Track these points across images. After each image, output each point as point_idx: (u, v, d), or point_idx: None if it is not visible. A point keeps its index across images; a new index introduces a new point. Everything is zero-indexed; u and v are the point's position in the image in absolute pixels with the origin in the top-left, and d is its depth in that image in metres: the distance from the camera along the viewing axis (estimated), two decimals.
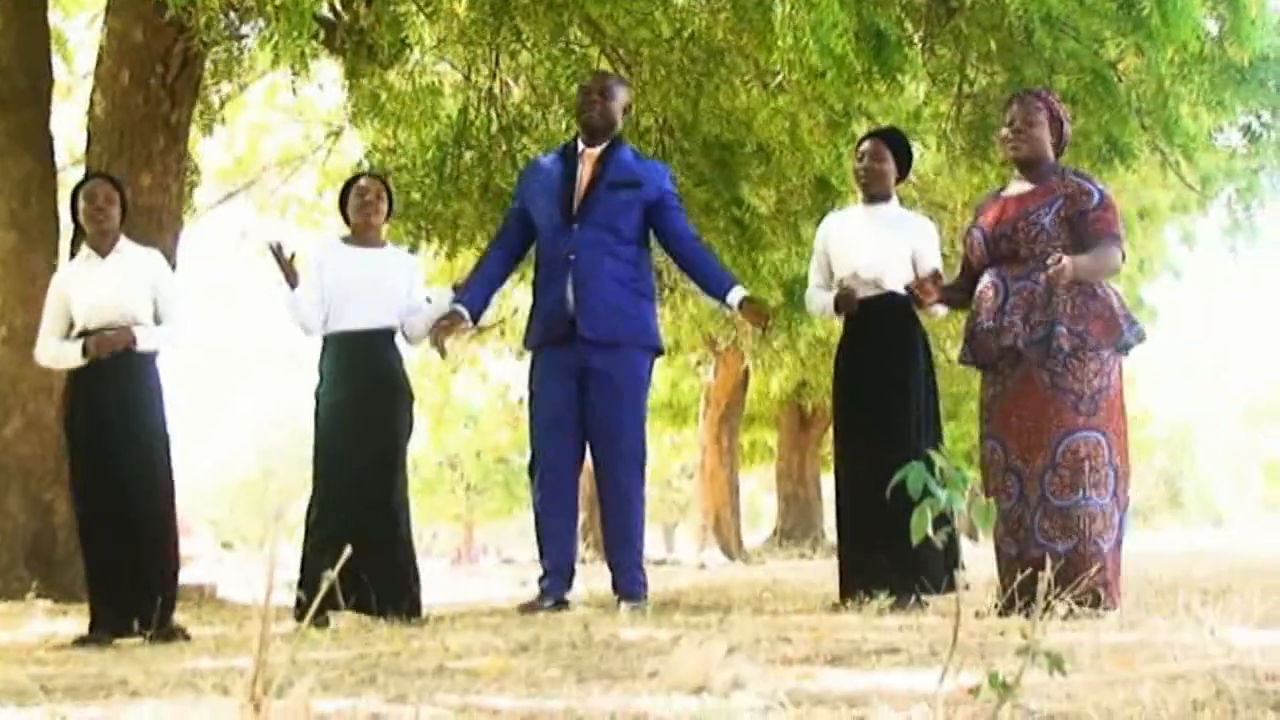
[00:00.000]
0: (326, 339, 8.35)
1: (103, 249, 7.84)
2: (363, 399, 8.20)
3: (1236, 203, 23.19)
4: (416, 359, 36.94)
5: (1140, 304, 31.60)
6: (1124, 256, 6.83)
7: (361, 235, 8.47)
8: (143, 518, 7.66)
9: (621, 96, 8.51)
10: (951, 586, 7.55)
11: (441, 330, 8.32)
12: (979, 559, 7.20)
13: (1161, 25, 9.67)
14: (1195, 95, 10.81)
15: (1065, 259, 6.48)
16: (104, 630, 7.42)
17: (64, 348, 7.74)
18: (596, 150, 8.32)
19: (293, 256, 8.29)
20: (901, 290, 7.74)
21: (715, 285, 8.39)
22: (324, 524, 8.07)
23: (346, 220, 8.59)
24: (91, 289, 7.71)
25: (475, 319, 8.60)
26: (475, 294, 8.60)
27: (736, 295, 8.18)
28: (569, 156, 8.41)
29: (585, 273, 8.05)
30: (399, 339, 8.47)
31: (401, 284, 8.37)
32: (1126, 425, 6.81)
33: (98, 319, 7.67)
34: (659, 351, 8.50)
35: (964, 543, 5.19)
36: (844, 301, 8.04)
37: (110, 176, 8.39)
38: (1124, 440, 6.76)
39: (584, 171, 8.27)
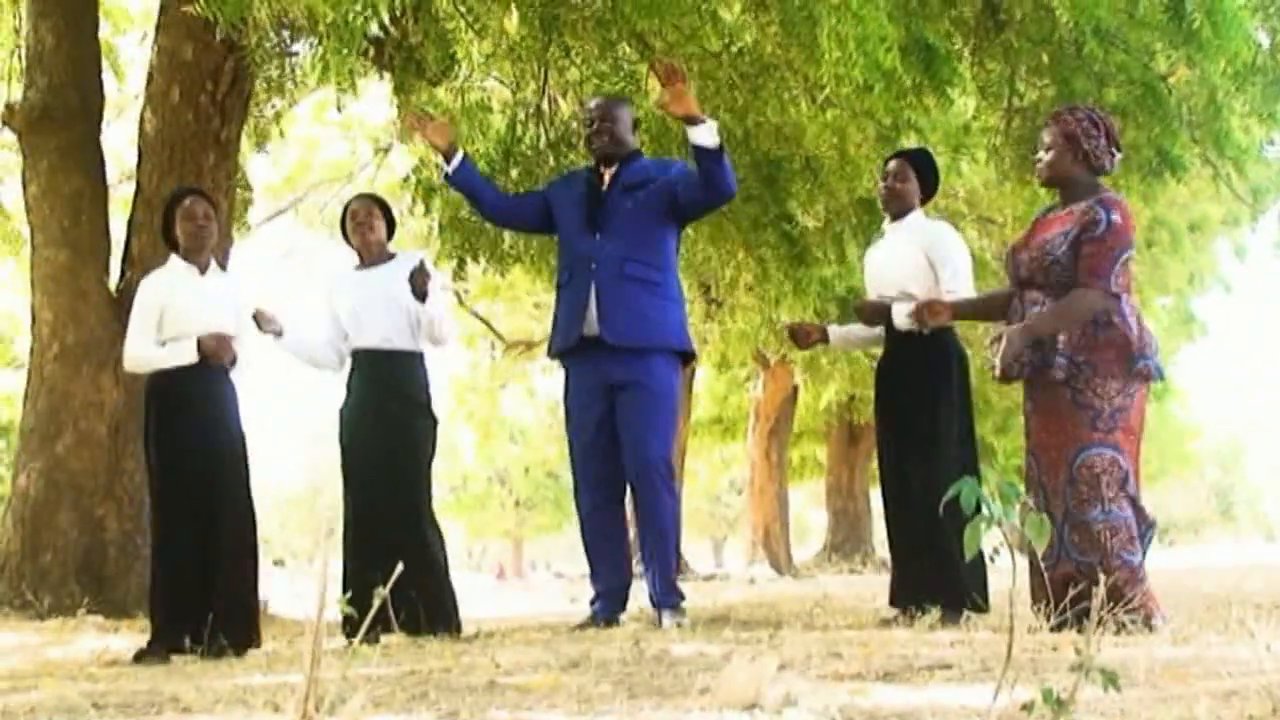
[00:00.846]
0: (354, 355, 8.42)
1: (202, 265, 7.90)
2: (379, 420, 8.24)
3: None
4: (464, 374, 37.08)
5: (1191, 317, 31.53)
6: (1111, 295, 6.66)
7: (366, 256, 8.54)
8: (229, 533, 7.69)
9: (626, 116, 8.48)
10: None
11: (426, 122, 8.59)
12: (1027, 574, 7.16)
13: (1212, 37, 9.63)
14: (1246, 107, 10.75)
15: (1008, 336, 6.59)
16: (167, 644, 7.44)
17: (169, 349, 7.74)
18: (614, 167, 8.33)
19: (266, 316, 8.35)
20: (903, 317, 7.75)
21: (692, 151, 8.07)
22: (359, 542, 8.12)
23: (349, 244, 8.67)
24: (193, 304, 7.75)
25: (454, 164, 8.51)
26: (472, 169, 8.81)
27: (690, 132, 7.97)
28: (591, 173, 8.44)
29: (608, 279, 8.04)
30: (425, 359, 8.50)
31: (410, 298, 8.38)
32: (1140, 448, 6.77)
33: (193, 333, 7.71)
34: (688, 355, 8.43)
35: (1016, 557, 5.19)
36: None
37: (204, 192, 8.44)
38: (1138, 464, 6.72)
39: (604, 183, 8.29)
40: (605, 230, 8.12)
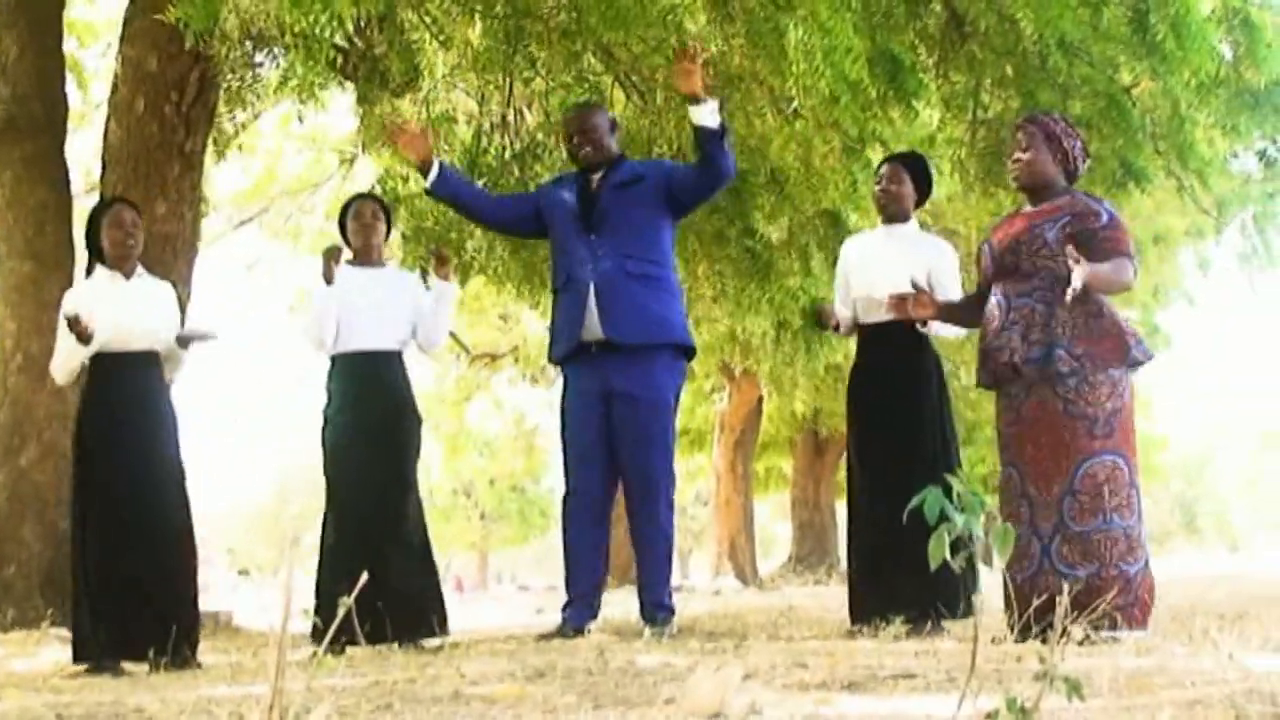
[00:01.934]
0: (334, 359, 8.45)
1: (127, 272, 7.88)
2: (370, 420, 8.27)
3: (1251, 227, 23.18)
4: (430, 386, 37.05)
5: (1155, 330, 31.56)
6: (1136, 274, 6.75)
7: (363, 257, 8.56)
8: (158, 545, 7.66)
9: (604, 122, 8.49)
10: (969, 611, 7.56)
11: (403, 130, 8.57)
12: (992, 584, 7.17)
13: (1176, 49, 9.67)
14: (1210, 120, 10.80)
15: (1084, 263, 6.47)
16: (107, 658, 7.41)
17: (68, 350, 7.73)
18: (602, 171, 8.33)
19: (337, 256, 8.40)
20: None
21: (694, 137, 8.12)
22: (339, 548, 8.12)
23: (348, 243, 8.66)
24: (117, 308, 7.73)
25: (433, 175, 8.44)
26: (455, 176, 8.79)
27: (692, 111, 8.00)
28: (581, 176, 8.42)
29: (608, 278, 8.02)
30: (408, 360, 8.54)
31: (406, 302, 8.46)
32: (1136, 444, 6.78)
33: (121, 340, 7.70)
34: (690, 351, 8.41)
35: (978, 568, 5.15)
36: (819, 316, 8.34)
37: (131, 202, 8.44)
38: (1137, 460, 6.73)
39: (593, 188, 8.28)
40: (601, 230, 8.12)
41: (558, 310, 8.40)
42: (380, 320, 8.35)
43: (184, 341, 7.97)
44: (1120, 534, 6.50)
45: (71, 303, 7.82)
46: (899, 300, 7.55)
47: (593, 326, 8.05)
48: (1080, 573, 6.45)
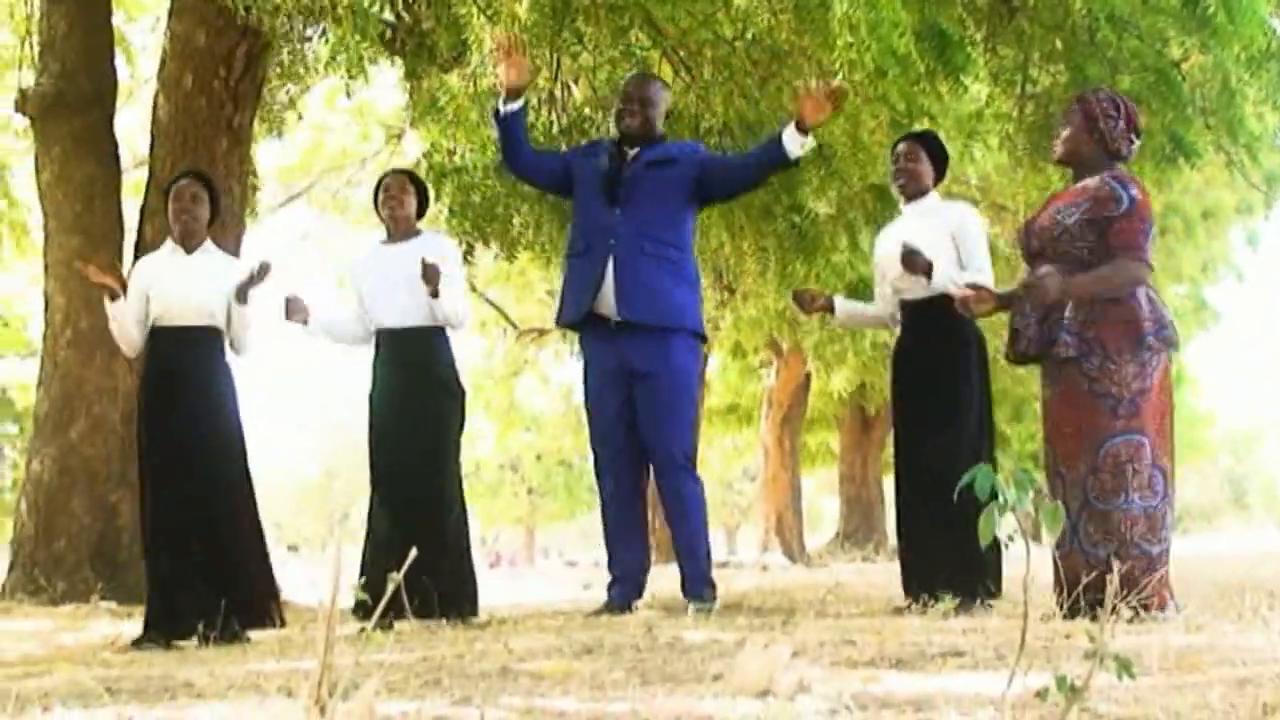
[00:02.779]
0: (376, 335, 8.43)
1: (189, 246, 7.90)
2: (408, 397, 8.26)
3: None
4: (479, 362, 37.08)
5: (1204, 305, 31.49)
6: (1148, 267, 6.68)
7: (393, 232, 8.55)
8: (225, 520, 7.69)
9: (664, 102, 8.51)
10: (999, 592, 7.59)
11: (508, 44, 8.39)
12: (1042, 560, 7.15)
13: (1227, 23, 9.60)
14: (1261, 94, 10.71)
15: (1046, 279, 6.53)
16: (162, 630, 7.43)
17: (129, 327, 7.78)
18: (636, 149, 8.31)
19: (296, 302, 8.42)
20: (951, 285, 7.69)
21: (771, 145, 8.18)
22: (380, 525, 8.14)
23: (381, 220, 8.68)
24: (174, 284, 7.76)
25: (515, 104, 8.39)
26: (522, 117, 8.67)
27: (790, 131, 8.03)
28: (614, 145, 8.40)
29: (627, 255, 8.02)
30: (448, 333, 8.50)
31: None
32: (1171, 425, 6.73)
33: (176, 314, 7.74)
34: (702, 337, 8.43)
35: (1029, 544, 5.16)
36: (799, 300, 8.58)
37: (202, 174, 8.45)
38: (1168, 441, 6.68)
39: (625, 160, 8.26)
40: (626, 205, 8.10)
41: (570, 275, 8.38)
42: (409, 295, 8.29)
43: (241, 295, 7.94)
44: (1140, 514, 6.46)
45: (135, 277, 7.87)
46: (960, 301, 7.52)
47: (607, 300, 8.05)
48: (1101, 551, 6.43)
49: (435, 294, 8.16)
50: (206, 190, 8.07)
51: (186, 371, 7.72)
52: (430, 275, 8.06)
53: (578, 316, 8.20)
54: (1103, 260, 6.62)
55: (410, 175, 8.93)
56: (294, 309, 8.32)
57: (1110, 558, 6.38)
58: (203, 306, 7.79)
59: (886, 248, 8.30)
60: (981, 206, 19.76)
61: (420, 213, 8.69)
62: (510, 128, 8.45)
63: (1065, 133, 7.00)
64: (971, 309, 7.37)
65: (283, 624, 7.77)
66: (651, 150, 8.28)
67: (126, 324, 7.81)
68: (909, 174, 8.23)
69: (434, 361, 8.39)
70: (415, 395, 8.28)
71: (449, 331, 8.48)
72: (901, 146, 8.35)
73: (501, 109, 8.37)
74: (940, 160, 8.37)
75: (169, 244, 7.99)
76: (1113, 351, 6.55)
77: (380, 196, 8.60)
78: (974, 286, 7.41)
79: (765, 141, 8.35)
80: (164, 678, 4.94)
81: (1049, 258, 6.79)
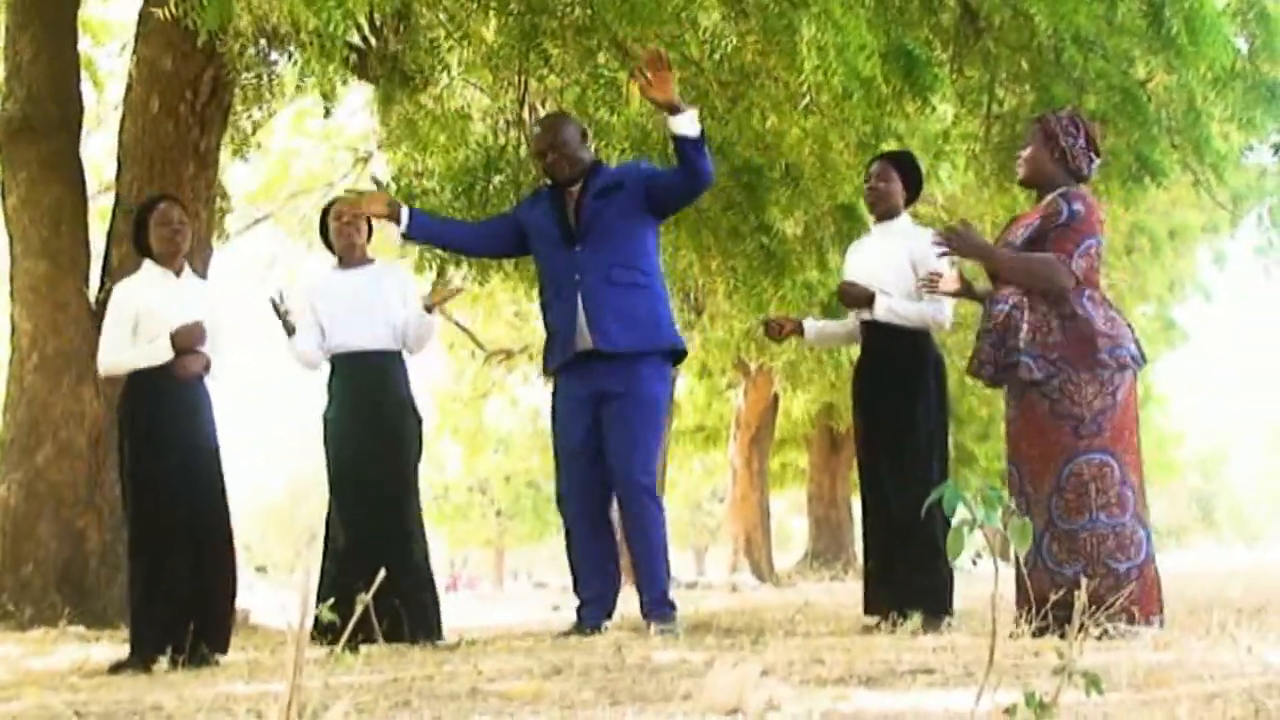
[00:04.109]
0: (332, 360, 8.48)
1: (177, 269, 7.88)
2: (367, 421, 8.30)
3: (1267, 221, 23.15)
4: (447, 385, 37.06)
5: (1171, 324, 31.58)
6: (1071, 275, 6.64)
7: (348, 258, 8.55)
8: (207, 541, 7.68)
9: (575, 133, 8.35)
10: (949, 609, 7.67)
11: (362, 199, 8.37)
12: (1007, 579, 7.17)
13: (1191, 43, 9.66)
14: (1226, 113, 10.77)
15: (977, 237, 6.72)
16: (148, 652, 7.42)
17: (143, 348, 7.73)
18: (580, 183, 8.28)
19: (287, 312, 8.41)
20: (906, 299, 7.77)
21: (674, 142, 7.97)
22: (340, 547, 8.15)
23: (331, 249, 8.67)
24: (169, 307, 7.72)
25: (404, 223, 8.27)
26: (426, 218, 8.70)
27: (669, 121, 7.87)
28: (554, 194, 8.34)
29: (594, 288, 8.00)
30: (405, 358, 8.53)
31: (393, 297, 8.46)
32: (1138, 441, 6.75)
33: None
34: (680, 354, 8.41)
35: (997, 562, 5.10)
36: (768, 328, 8.68)
37: (178, 197, 8.46)
38: (1136, 457, 6.69)
39: (571, 198, 8.22)
40: (585, 240, 8.07)
41: (549, 324, 8.36)
42: (369, 319, 8.34)
43: (430, 305, 8.44)
44: (1108, 532, 6.49)
45: (124, 297, 7.83)
46: (928, 280, 7.60)
47: (584, 336, 8.03)
48: (1067, 570, 6.47)
49: (433, 310, 8.42)
50: (188, 215, 8.10)
51: (174, 397, 7.69)
52: (447, 295, 8.24)
53: (564, 362, 8.19)
54: None
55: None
56: (285, 311, 8.37)
57: (1078, 576, 6.40)
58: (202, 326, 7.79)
59: (852, 264, 8.36)
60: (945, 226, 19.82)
61: (369, 238, 8.72)
62: (422, 239, 8.67)
63: (1026, 153, 7.02)
64: (938, 286, 7.47)
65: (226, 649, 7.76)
66: (595, 179, 8.22)
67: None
68: (879, 194, 8.30)
69: (394, 385, 8.44)
70: (375, 419, 8.31)
71: (405, 357, 8.53)
72: (874, 166, 8.42)
73: (400, 231, 8.34)
74: (914, 180, 8.40)
75: (153, 267, 7.95)
76: (1072, 371, 6.57)
77: (333, 224, 8.59)
78: (935, 275, 7.52)
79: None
80: (133, 701, 4.93)
81: (1001, 278, 6.83)
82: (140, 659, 7.35)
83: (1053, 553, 6.55)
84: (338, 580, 8.08)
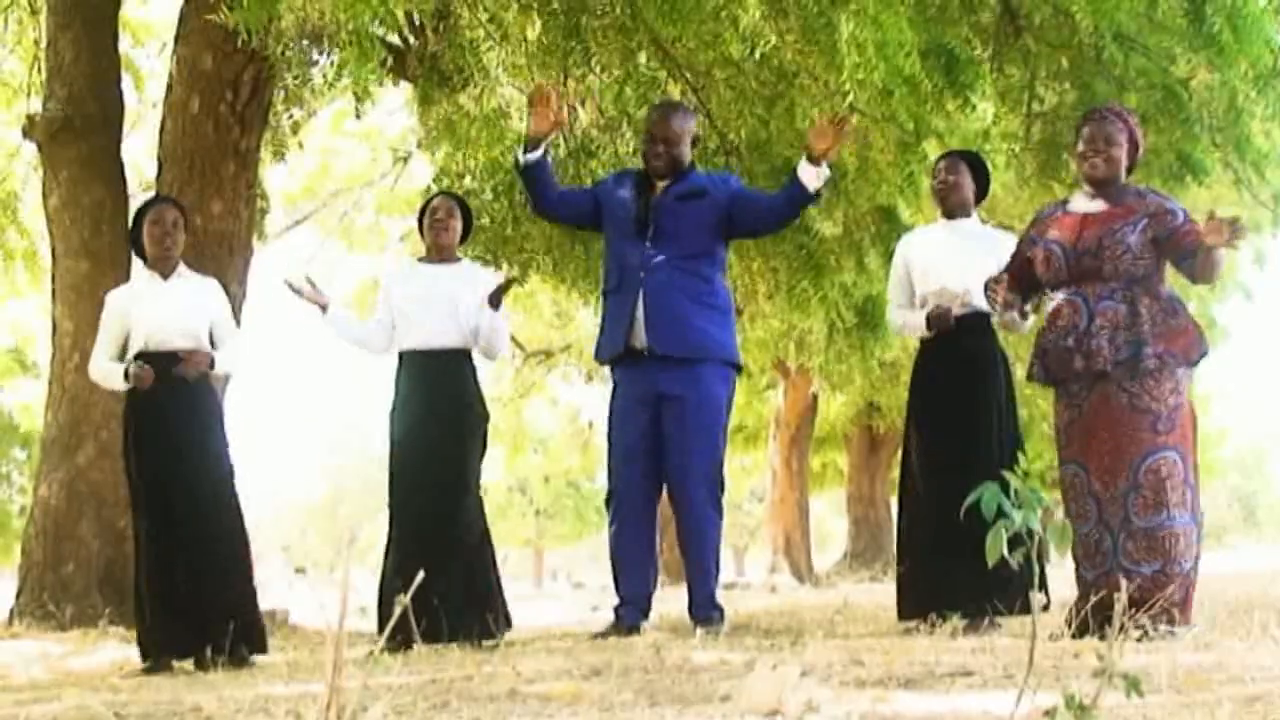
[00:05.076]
0: (401, 356, 8.48)
1: (166, 272, 7.89)
2: (432, 419, 8.30)
3: None
4: (489, 385, 37.14)
5: (1212, 324, 31.44)
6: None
7: (434, 254, 8.58)
8: (211, 543, 7.69)
9: (689, 133, 8.36)
10: (1026, 609, 7.50)
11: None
12: (1055, 580, 7.13)
13: (1233, 41, 9.60)
14: (1268, 111, 10.70)
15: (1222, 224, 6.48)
16: (164, 656, 7.45)
17: (111, 368, 7.79)
18: (665, 182, 8.25)
19: (312, 285, 8.42)
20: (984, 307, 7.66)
21: (791, 183, 8.04)
22: (400, 547, 8.17)
23: (425, 242, 8.72)
24: (156, 309, 7.75)
25: (536, 153, 8.24)
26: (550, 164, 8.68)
27: (803, 165, 7.90)
28: (640, 181, 8.34)
29: (658, 288, 7.98)
30: (475, 358, 8.54)
31: (470, 299, 8.43)
32: (1196, 441, 6.73)
33: (160, 339, 7.73)
34: (737, 367, 8.37)
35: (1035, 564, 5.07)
36: (939, 320, 8.01)
37: (176, 201, 8.48)
38: (1194, 456, 6.68)
39: (654, 192, 8.20)
40: (656, 239, 8.06)
41: (606, 312, 8.39)
42: (442, 317, 8.37)
43: (495, 302, 8.45)
44: (1181, 530, 6.46)
45: (111, 307, 7.87)
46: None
47: (639, 334, 8.03)
48: (1145, 569, 6.41)
49: (498, 306, 8.43)
50: (183, 216, 8.10)
51: (173, 396, 7.71)
52: (504, 285, 8.40)
53: (614, 353, 8.20)
54: (1157, 273, 6.73)
55: (458, 200, 8.97)
56: (309, 292, 8.38)
57: (1156, 575, 6.37)
58: (187, 329, 7.80)
59: (927, 261, 8.19)
60: (987, 225, 19.76)
61: (463, 238, 8.75)
62: (532, 176, 8.38)
63: (1112, 152, 6.89)
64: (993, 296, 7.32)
65: (262, 650, 7.78)
66: (681, 183, 8.20)
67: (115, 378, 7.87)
68: (950, 186, 8.20)
69: (463, 384, 8.46)
70: (441, 417, 8.32)
71: (473, 355, 8.54)
72: (943, 162, 8.36)
73: (522, 159, 8.29)
74: (982, 178, 8.35)
75: (142, 272, 8.00)
76: (1177, 363, 6.56)
77: (427, 219, 8.64)
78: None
79: (786, 180, 8.27)
80: (172, 702, 4.94)
81: (1104, 275, 6.73)
82: (156, 664, 7.40)
83: (1127, 551, 6.49)
84: (392, 581, 8.11)
